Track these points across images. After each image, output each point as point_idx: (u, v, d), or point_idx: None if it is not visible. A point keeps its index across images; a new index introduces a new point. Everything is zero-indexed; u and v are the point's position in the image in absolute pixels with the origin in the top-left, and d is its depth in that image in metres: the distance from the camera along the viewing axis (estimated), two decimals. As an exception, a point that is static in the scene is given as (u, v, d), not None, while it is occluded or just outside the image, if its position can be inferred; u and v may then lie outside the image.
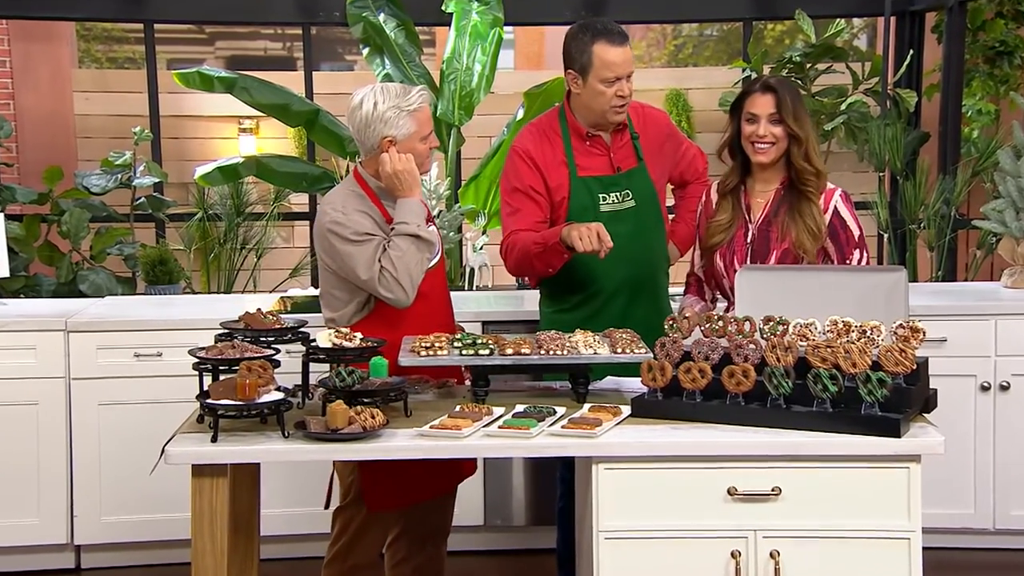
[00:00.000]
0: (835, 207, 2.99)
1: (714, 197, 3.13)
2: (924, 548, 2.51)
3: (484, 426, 2.58)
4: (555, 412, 2.66)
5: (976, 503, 3.99)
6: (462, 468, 3.13)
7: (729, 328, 2.69)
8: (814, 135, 3.01)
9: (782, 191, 3.02)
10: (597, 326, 3.05)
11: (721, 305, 3.19)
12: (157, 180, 5.98)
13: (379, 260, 2.88)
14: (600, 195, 3.19)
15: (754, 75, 6.23)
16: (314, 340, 2.74)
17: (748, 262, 3.00)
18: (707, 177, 3.43)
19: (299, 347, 2.80)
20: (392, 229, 2.92)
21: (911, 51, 6.41)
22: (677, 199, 3.51)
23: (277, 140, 7.58)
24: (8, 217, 5.57)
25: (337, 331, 2.73)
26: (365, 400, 2.60)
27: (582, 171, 3.19)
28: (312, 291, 5.07)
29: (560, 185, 3.19)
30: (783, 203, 3.00)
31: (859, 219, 3.02)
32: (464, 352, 2.77)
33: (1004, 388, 3.94)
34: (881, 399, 2.46)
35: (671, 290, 3.44)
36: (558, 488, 3.43)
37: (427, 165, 3.03)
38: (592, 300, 3.25)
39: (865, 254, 3.00)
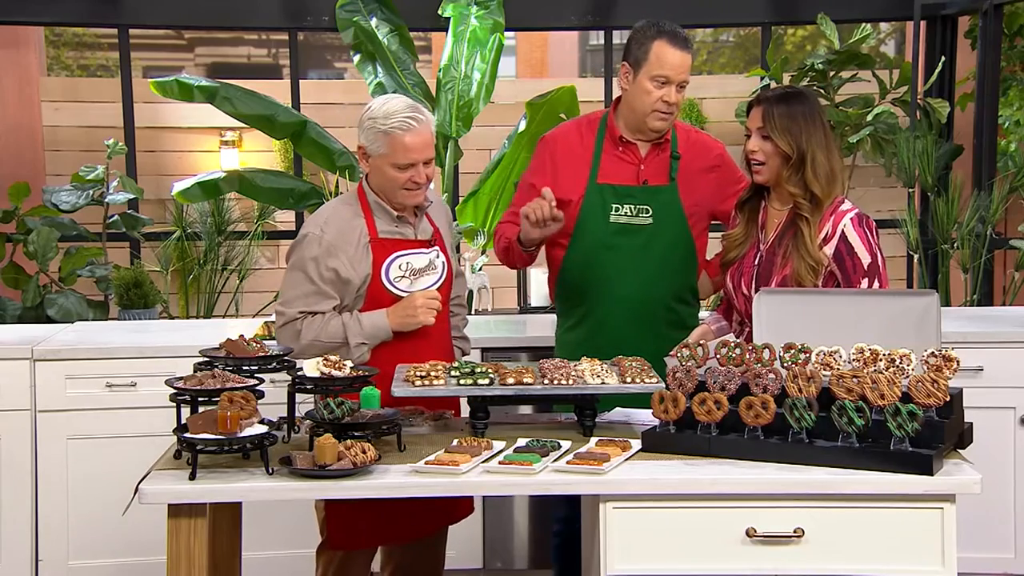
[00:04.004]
0: (843, 232, 2.93)
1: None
2: (959, 595, 2.51)
3: (483, 461, 2.59)
4: (560, 446, 2.67)
5: (1016, 546, 3.98)
6: (452, 508, 3.13)
7: (747, 356, 2.70)
8: (824, 155, 2.94)
9: (793, 213, 3.00)
10: (600, 348, 3.09)
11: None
12: (132, 196, 6.01)
13: (307, 312, 2.97)
14: (613, 204, 3.24)
15: (773, 84, 6.27)
16: (300, 369, 2.76)
17: (754, 285, 3.01)
18: None
19: (284, 376, 2.81)
20: (352, 313, 2.99)
21: (943, 58, 6.45)
22: None
23: (261, 153, 7.62)
24: (-29, 236, 5.60)
25: (326, 359, 2.75)
26: (356, 434, 2.61)
27: (603, 177, 3.26)
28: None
29: (574, 186, 3.25)
30: (791, 227, 2.98)
31: (877, 245, 2.95)
32: (462, 382, 2.78)
33: (1045, 421, 3.95)
34: (912, 433, 2.46)
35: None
36: (554, 524, 3.44)
37: (410, 199, 3.03)
38: (592, 316, 3.29)
39: (877, 284, 2.92)
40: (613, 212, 3.24)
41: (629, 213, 3.24)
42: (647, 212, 3.24)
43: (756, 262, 3.04)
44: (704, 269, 3.40)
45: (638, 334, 3.23)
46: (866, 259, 2.93)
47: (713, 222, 3.43)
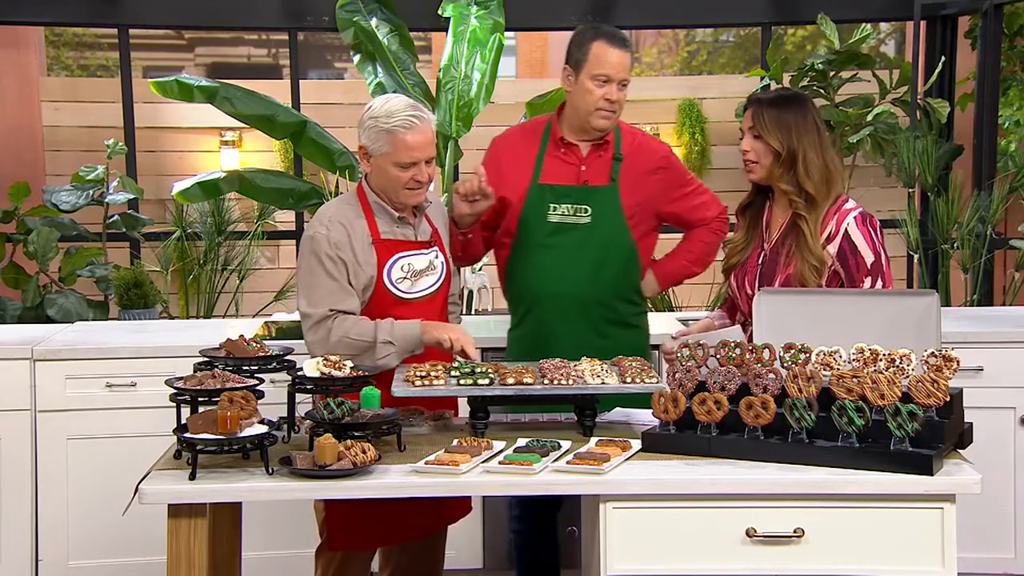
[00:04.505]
0: (846, 230, 2.94)
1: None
2: (959, 595, 2.51)
3: (483, 461, 2.59)
4: (560, 446, 2.67)
5: (1016, 547, 3.99)
6: (451, 508, 3.13)
7: (747, 356, 2.70)
8: (817, 154, 2.96)
9: (793, 213, 3.01)
10: (541, 345, 3.16)
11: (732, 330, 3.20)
12: (132, 196, 6.01)
13: (336, 310, 2.94)
14: (551, 203, 3.30)
15: (773, 84, 6.27)
16: (301, 369, 2.76)
17: (757, 284, 3.02)
18: (720, 225, 3.47)
19: (284, 376, 2.81)
20: (387, 319, 2.96)
21: (943, 58, 6.45)
22: (683, 238, 3.57)
23: (261, 153, 7.61)
24: (-29, 236, 5.60)
25: (326, 359, 2.75)
26: (356, 434, 2.61)
27: (544, 177, 3.33)
28: (298, 315, 5.08)
29: (517, 187, 3.32)
30: (794, 227, 3.00)
31: (881, 244, 2.97)
32: (462, 382, 2.78)
33: (1045, 421, 3.95)
34: (912, 433, 2.46)
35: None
36: (513, 523, 3.45)
37: (411, 198, 3.03)
38: (531, 313, 3.34)
39: (880, 283, 2.94)
40: (551, 211, 3.29)
41: (566, 212, 3.29)
42: (586, 211, 3.29)
43: (760, 261, 3.05)
44: (649, 269, 3.43)
45: (577, 331, 3.27)
46: (869, 258, 2.94)
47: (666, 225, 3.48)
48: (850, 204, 3.00)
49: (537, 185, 3.30)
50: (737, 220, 3.16)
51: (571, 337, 3.25)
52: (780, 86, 2.91)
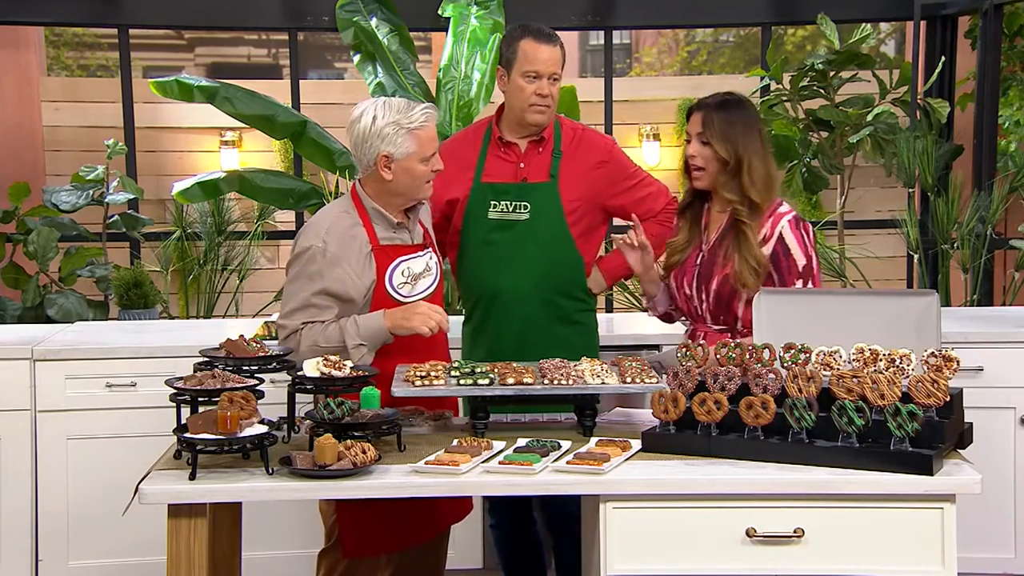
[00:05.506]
0: (780, 233, 3.02)
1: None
2: (959, 595, 2.51)
3: (483, 461, 2.59)
4: (560, 446, 2.67)
5: (1016, 547, 3.98)
6: (455, 508, 3.13)
7: (747, 356, 2.71)
8: (761, 161, 3.03)
9: (733, 218, 3.07)
10: (489, 341, 3.20)
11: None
12: (132, 196, 6.01)
13: (308, 321, 2.95)
14: (492, 201, 3.35)
15: (773, 83, 6.27)
16: (301, 369, 2.76)
17: (695, 284, 3.09)
18: (668, 217, 3.47)
19: (284, 376, 2.81)
20: (351, 316, 2.96)
21: (943, 58, 6.45)
22: None
23: (261, 153, 7.62)
24: (-29, 236, 5.60)
25: (326, 359, 2.75)
26: (356, 434, 2.61)
27: (487, 177, 3.38)
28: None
29: (463, 188, 3.37)
30: (732, 229, 3.06)
31: (813, 247, 3.04)
32: (462, 382, 2.79)
33: (1045, 421, 3.95)
34: (912, 433, 2.46)
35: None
36: (488, 517, 3.51)
37: (429, 190, 3.09)
38: (478, 308, 3.40)
39: (810, 285, 3.01)
40: (492, 209, 3.34)
41: (506, 209, 3.33)
42: (525, 208, 3.32)
43: (698, 262, 3.11)
44: (596, 266, 3.45)
45: (522, 326, 3.31)
46: (801, 261, 3.01)
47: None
48: (784, 208, 3.07)
49: (479, 184, 3.35)
50: (677, 221, 3.21)
51: (517, 332, 3.30)
52: (725, 91, 2.94)
